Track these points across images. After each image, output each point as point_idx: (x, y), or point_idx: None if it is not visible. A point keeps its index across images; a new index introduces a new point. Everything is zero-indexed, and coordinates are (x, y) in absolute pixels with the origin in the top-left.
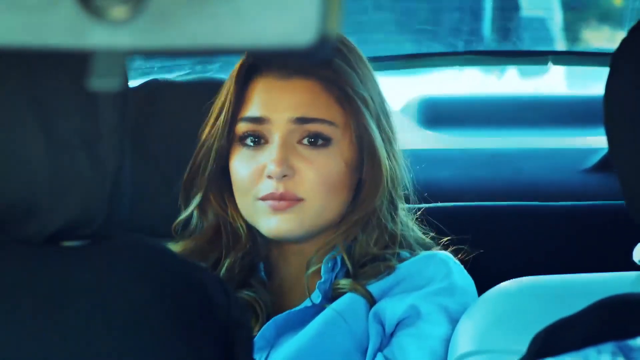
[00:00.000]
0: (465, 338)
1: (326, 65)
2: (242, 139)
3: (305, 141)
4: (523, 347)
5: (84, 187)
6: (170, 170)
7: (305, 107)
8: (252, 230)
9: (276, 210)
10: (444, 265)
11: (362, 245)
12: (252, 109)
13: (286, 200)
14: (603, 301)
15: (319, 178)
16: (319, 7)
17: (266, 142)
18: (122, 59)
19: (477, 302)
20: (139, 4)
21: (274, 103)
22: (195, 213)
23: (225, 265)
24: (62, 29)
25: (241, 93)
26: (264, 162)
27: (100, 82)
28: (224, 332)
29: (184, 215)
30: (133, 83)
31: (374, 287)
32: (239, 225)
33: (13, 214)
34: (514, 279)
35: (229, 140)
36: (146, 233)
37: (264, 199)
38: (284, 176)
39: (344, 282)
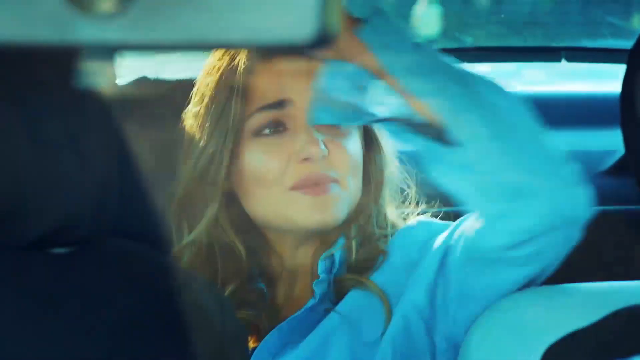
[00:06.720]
0: (476, 349)
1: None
2: (258, 132)
3: None
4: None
5: (71, 189)
6: (160, 173)
7: None
8: (251, 252)
9: (316, 195)
10: (430, 223)
11: (366, 231)
12: (269, 95)
13: (323, 183)
14: (617, 313)
15: (348, 158)
16: (319, 1)
17: (285, 129)
18: (110, 55)
19: (489, 311)
20: None
21: (293, 84)
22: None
23: (227, 292)
24: (47, 23)
25: (247, 84)
26: (292, 148)
27: (88, 79)
28: (218, 345)
29: (192, 235)
30: (122, 80)
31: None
32: (238, 250)
33: None
34: (526, 289)
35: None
36: (134, 238)
37: (298, 186)
38: (322, 156)
39: (348, 278)
